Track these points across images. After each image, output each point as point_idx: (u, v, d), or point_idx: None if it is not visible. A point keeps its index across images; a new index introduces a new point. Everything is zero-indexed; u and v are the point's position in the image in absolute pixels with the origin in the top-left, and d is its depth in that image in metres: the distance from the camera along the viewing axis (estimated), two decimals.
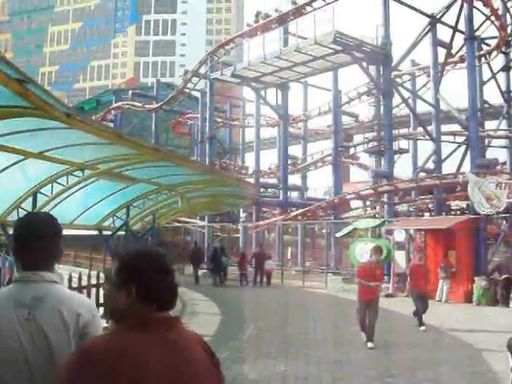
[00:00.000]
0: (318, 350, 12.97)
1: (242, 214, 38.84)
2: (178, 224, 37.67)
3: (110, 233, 17.61)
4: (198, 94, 49.16)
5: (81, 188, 13.04)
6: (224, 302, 22.32)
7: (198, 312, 19.54)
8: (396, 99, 35.63)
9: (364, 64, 32.97)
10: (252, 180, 41.10)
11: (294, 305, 23.25)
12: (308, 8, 35.79)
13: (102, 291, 14.91)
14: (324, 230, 33.61)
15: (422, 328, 15.62)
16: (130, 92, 59.39)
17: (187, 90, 49.38)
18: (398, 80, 38.85)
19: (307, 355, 12.29)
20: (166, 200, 18.28)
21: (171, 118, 57.56)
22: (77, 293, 3.34)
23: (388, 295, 24.64)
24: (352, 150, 47.59)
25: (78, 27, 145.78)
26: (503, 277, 22.71)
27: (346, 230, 28.81)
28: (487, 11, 35.26)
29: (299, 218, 35.86)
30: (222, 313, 19.37)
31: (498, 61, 40.24)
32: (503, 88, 39.54)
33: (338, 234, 29.99)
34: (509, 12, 38.55)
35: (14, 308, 2.75)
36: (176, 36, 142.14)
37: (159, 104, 51.90)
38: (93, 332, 2.86)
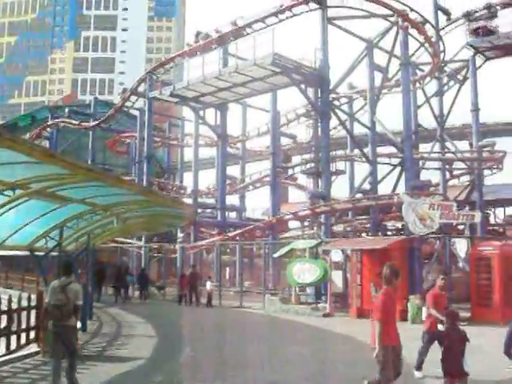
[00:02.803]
0: (256, 371, 12.88)
1: (180, 235, 38.58)
2: (114, 244, 37.09)
3: (42, 253, 17.16)
4: (136, 113, 48.74)
5: (11, 208, 12.66)
6: (161, 324, 22.02)
7: (135, 334, 19.20)
8: (333, 121, 36.15)
9: (302, 86, 33.37)
10: (190, 200, 40.90)
11: (232, 326, 23.11)
12: (248, 30, 36.14)
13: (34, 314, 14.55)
14: (262, 251, 33.62)
15: (418, 375, 11.98)
16: (67, 109, 58.49)
17: (125, 109, 49.02)
18: (336, 102, 39.43)
19: (245, 377, 12.20)
20: (101, 220, 17.91)
21: (109, 136, 56.86)
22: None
23: (325, 315, 24.79)
24: (290, 171, 47.96)
25: (14, 41, 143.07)
26: None
27: (283, 251, 28.87)
28: (421, 38, 36.26)
29: (237, 238, 35.82)
30: (158, 335, 19.08)
31: (432, 86, 41.46)
32: (436, 112, 40.63)
33: (275, 255, 30.05)
34: (441, 40, 39.79)
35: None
36: (115, 53, 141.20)
37: (96, 122, 51.28)
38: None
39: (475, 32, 40.62)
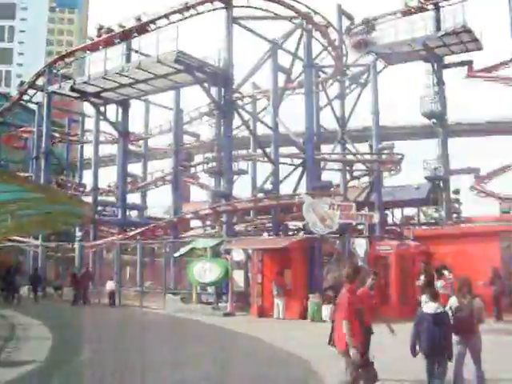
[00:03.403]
0: (155, 372, 12.68)
1: (78, 233, 37.56)
2: (9, 243, 35.67)
3: None
4: (35, 107, 47.18)
5: None
6: (56, 325, 21.32)
7: (29, 337, 18.51)
8: (237, 121, 36.18)
9: (206, 85, 33.19)
10: (90, 198, 39.90)
11: (131, 326, 22.78)
12: (152, 26, 35.62)
13: None
14: (163, 250, 33.32)
15: None
16: None
17: (23, 102, 47.37)
18: (239, 102, 39.50)
19: (143, 378, 12.02)
20: None
21: (5, 130, 54.64)
22: None
23: (226, 314, 24.83)
24: (192, 170, 47.72)
25: None
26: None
27: (183, 250, 28.70)
28: (325, 41, 36.90)
29: (138, 237, 35.25)
30: (54, 337, 18.45)
31: (334, 88, 42.25)
32: (338, 114, 41.41)
33: (176, 254, 29.80)
34: (344, 44, 40.67)
35: None
36: (13, 44, 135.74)
37: None
38: None
39: (356, 45, 42.32)
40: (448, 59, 43.61)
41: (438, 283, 17.66)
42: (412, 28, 41.02)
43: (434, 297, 9.72)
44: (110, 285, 30.16)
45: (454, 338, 9.59)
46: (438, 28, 40.66)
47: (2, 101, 52.94)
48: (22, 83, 47.57)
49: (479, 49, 41.13)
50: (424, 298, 13.51)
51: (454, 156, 44.27)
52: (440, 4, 41.74)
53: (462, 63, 42.85)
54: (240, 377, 12.40)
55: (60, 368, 13.02)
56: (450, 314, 9.86)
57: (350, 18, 44.53)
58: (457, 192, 48.49)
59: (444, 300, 14.13)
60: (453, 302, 10.22)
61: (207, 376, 12.26)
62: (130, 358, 14.50)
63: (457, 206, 49.79)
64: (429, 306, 9.56)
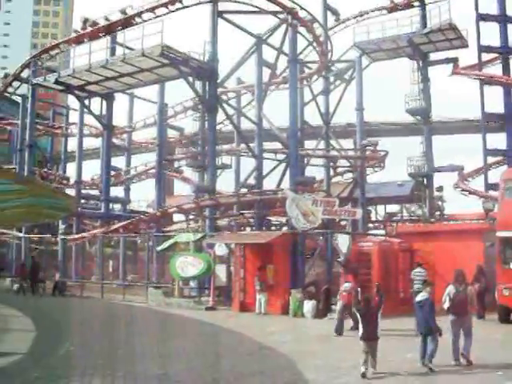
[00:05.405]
0: (137, 364, 12.73)
1: (62, 226, 37.47)
2: None
3: None
4: (19, 99, 46.95)
5: None
6: (37, 317, 21.26)
7: (11, 328, 18.45)
8: (221, 115, 36.19)
9: (191, 79, 33.16)
10: (73, 191, 39.78)
11: (114, 319, 22.78)
12: (137, 19, 35.43)
13: None
14: (146, 244, 33.31)
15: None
16: None
17: (7, 94, 47.11)
18: (224, 97, 39.48)
19: (126, 370, 12.03)
20: None
21: None
22: None
23: (208, 308, 24.90)
24: (176, 164, 47.61)
25: None
26: (323, 288, 23.65)
27: (166, 244, 28.70)
28: (310, 37, 36.92)
29: (121, 230, 35.22)
30: (36, 328, 18.41)
31: (319, 84, 42.29)
32: (322, 110, 41.49)
33: (158, 248, 29.79)
34: (329, 39, 40.68)
35: None
36: None
37: None
38: None
39: None
40: (433, 56, 43.67)
41: (346, 284, 19.02)
42: (398, 24, 41.07)
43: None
44: (56, 276, 32.14)
45: (450, 318, 12.67)
46: (424, 25, 40.72)
47: None
48: (6, 75, 47.23)
49: (465, 46, 41.15)
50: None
51: (438, 153, 44.44)
52: (426, 1, 41.83)
53: (447, 60, 42.85)
54: (221, 371, 12.47)
55: (42, 359, 13.02)
56: (448, 299, 12.73)
57: (335, 13, 44.62)
58: (440, 189, 48.68)
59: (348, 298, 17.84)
60: (450, 289, 12.95)
61: (189, 369, 12.32)
62: (112, 351, 14.52)
63: (440, 203, 50.04)
64: (418, 296, 12.69)
